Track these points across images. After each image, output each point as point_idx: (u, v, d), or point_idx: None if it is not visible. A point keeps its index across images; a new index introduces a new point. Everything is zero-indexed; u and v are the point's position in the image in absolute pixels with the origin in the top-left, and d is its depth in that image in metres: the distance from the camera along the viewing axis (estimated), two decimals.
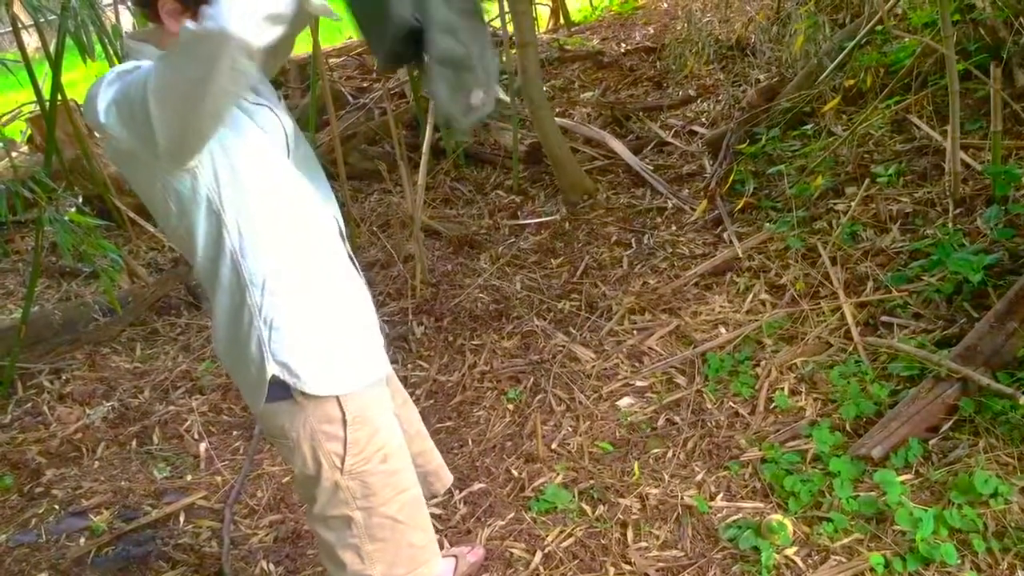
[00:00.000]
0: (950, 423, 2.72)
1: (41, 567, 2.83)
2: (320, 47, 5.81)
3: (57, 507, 3.13)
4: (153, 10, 1.59)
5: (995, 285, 3.11)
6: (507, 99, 5.93)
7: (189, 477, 3.22)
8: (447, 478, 2.33)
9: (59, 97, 4.13)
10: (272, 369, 1.70)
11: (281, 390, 1.72)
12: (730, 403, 3.12)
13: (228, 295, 1.70)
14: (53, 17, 4.22)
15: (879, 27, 4.63)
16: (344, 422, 1.76)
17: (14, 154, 5.79)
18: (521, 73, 4.91)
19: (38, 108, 5.04)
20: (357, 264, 1.91)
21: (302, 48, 8.23)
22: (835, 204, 4.09)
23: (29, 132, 6.44)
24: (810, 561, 2.40)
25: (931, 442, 2.69)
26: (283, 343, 1.70)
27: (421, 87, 1.72)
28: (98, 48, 4.87)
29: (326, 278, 1.76)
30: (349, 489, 1.79)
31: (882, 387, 2.94)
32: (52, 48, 4.13)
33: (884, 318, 3.30)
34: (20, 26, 4.51)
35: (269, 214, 1.67)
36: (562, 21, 8.98)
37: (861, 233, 3.81)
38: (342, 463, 1.76)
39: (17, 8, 4.27)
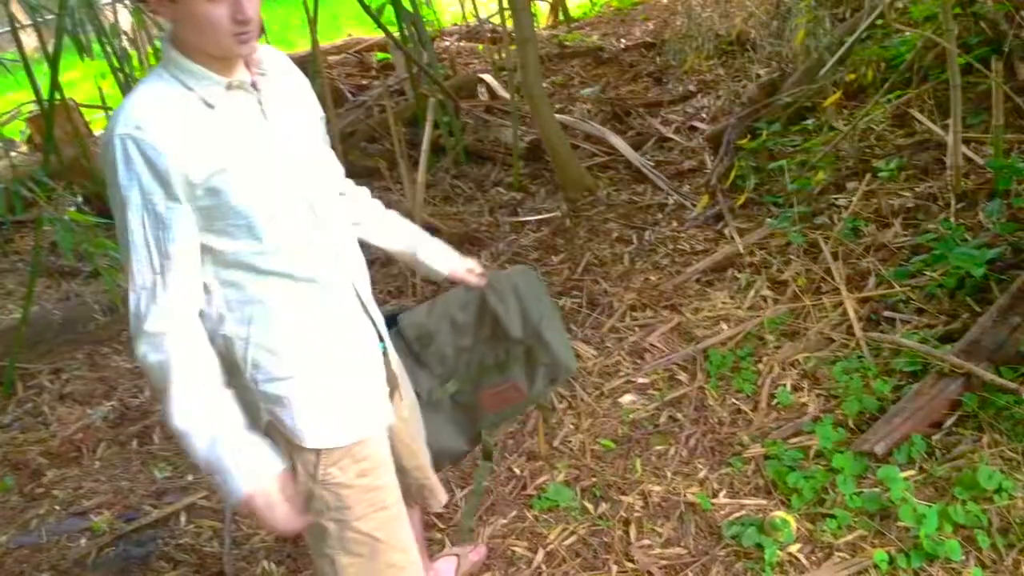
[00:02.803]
0: (953, 419, 2.71)
1: (42, 568, 2.83)
2: (319, 45, 5.80)
3: (58, 508, 3.12)
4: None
5: (998, 279, 3.11)
6: (507, 96, 5.93)
7: (190, 477, 3.21)
8: (442, 496, 2.22)
9: (58, 97, 4.12)
10: (264, 417, 1.69)
11: None
12: (732, 400, 3.11)
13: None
14: (51, 17, 4.22)
15: (880, 21, 4.62)
16: None
17: (13, 154, 5.78)
18: (521, 69, 4.89)
19: (37, 108, 5.03)
20: (372, 314, 1.81)
21: (302, 45, 8.23)
22: (836, 199, 4.08)
23: (28, 132, 6.44)
24: (813, 558, 2.40)
25: (934, 438, 2.68)
26: (275, 405, 1.69)
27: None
28: (96, 47, 4.86)
29: (308, 350, 1.70)
30: (323, 499, 1.73)
31: (885, 383, 2.93)
32: (50, 47, 4.12)
33: (886, 313, 3.29)
34: (18, 26, 4.50)
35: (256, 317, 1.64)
36: (561, 17, 8.97)
37: (863, 228, 3.79)
38: (315, 471, 1.71)
39: (15, 8, 4.27)
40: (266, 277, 1.62)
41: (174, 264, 1.53)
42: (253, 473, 1.61)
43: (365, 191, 2.03)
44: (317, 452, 1.70)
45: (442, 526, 2.73)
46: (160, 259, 1.52)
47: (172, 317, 1.54)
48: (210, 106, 1.54)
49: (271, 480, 1.64)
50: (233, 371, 1.66)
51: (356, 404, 1.76)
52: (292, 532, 1.72)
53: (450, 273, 2.10)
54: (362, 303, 1.77)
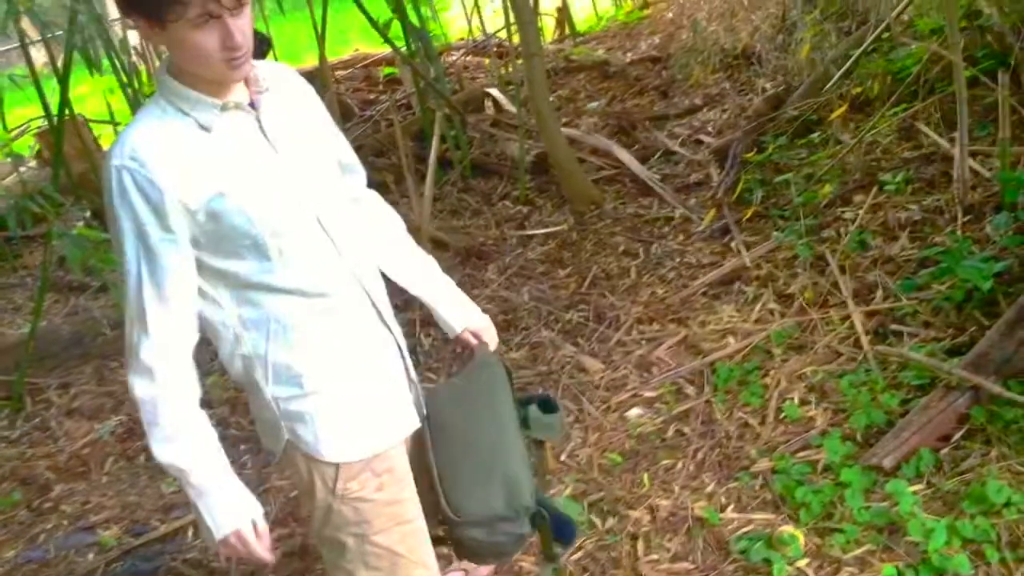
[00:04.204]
0: (961, 432, 2.70)
1: None
2: (327, 60, 5.83)
3: (66, 522, 3.13)
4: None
5: (1005, 292, 3.09)
6: (514, 110, 5.95)
7: None
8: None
9: (67, 112, 4.15)
10: (284, 436, 1.70)
11: None
12: (740, 413, 3.10)
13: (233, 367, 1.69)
14: (60, 32, 4.25)
15: (885, 34, 4.63)
16: None
17: (22, 169, 5.82)
18: (527, 84, 4.91)
19: (46, 123, 5.06)
20: (389, 323, 1.82)
21: (310, 60, 8.27)
22: (843, 212, 4.07)
23: (37, 147, 6.47)
24: (822, 573, 2.38)
25: (943, 452, 2.66)
26: (295, 422, 1.69)
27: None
28: (105, 63, 4.89)
29: (327, 365, 1.70)
30: (341, 513, 1.73)
31: (893, 396, 2.92)
32: (60, 63, 4.15)
33: (894, 326, 3.28)
34: (28, 41, 4.53)
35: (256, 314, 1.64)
36: (568, 31, 8.99)
37: (869, 241, 3.79)
38: (334, 485, 1.71)
39: (25, 23, 4.30)
40: (279, 295, 1.62)
41: (167, 296, 1.54)
42: (232, 513, 1.64)
43: (390, 212, 2.02)
44: (336, 466, 1.70)
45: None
46: (154, 290, 1.53)
47: (163, 351, 1.56)
48: (206, 130, 1.54)
49: (249, 520, 1.66)
50: (253, 391, 1.68)
51: (375, 417, 1.76)
52: (268, 564, 1.75)
53: (459, 335, 2.06)
54: (379, 313, 1.78)
